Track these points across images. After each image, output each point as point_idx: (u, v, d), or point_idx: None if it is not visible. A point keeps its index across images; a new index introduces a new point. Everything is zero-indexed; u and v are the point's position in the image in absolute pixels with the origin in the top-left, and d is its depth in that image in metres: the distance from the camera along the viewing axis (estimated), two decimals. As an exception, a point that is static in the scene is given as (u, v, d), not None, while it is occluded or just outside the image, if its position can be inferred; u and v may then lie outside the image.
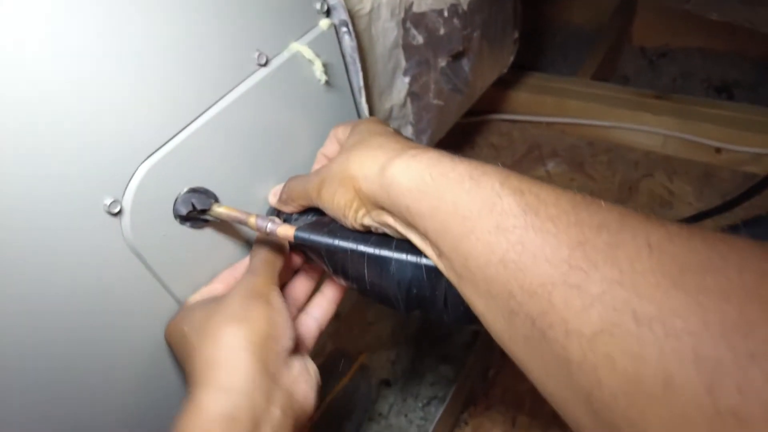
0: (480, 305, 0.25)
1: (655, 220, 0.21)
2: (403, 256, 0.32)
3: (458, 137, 0.97)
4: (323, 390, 0.70)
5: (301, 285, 0.41)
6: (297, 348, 0.35)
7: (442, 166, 0.27)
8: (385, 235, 0.33)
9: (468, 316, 0.29)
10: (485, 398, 0.65)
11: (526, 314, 0.22)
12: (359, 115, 0.50)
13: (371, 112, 0.55)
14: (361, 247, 0.33)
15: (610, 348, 0.19)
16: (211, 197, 0.38)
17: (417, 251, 0.31)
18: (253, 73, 0.38)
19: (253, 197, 0.41)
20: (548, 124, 0.95)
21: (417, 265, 0.32)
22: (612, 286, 0.19)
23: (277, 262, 0.37)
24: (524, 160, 0.92)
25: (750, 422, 0.16)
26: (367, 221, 0.32)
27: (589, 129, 0.92)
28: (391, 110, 0.59)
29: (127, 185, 0.33)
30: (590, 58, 1.00)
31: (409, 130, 0.65)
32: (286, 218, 0.41)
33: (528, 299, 0.22)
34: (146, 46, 0.31)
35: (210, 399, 0.29)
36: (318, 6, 0.41)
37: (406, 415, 0.66)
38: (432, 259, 0.29)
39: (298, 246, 0.37)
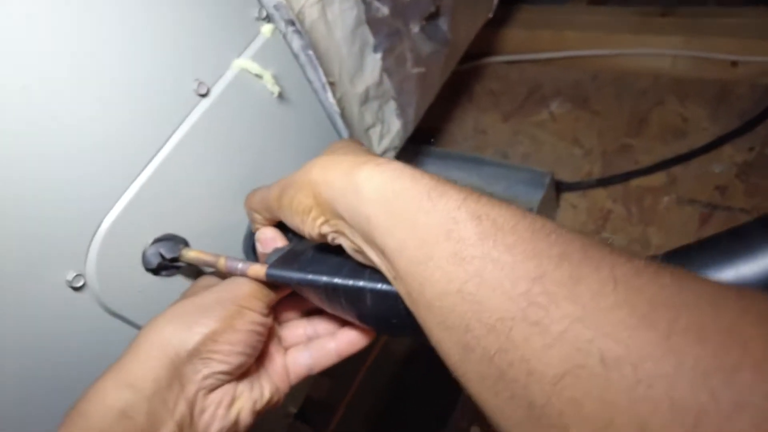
0: (435, 335, 0.24)
1: (620, 253, 0.20)
2: (378, 286, 0.31)
3: (455, 87, 0.93)
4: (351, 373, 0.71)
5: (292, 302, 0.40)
6: (264, 375, 0.34)
7: (403, 180, 0.25)
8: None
9: None
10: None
11: (484, 350, 0.20)
12: (327, 113, 0.47)
13: (342, 102, 0.52)
14: (335, 280, 0.32)
15: (576, 392, 0.17)
16: (180, 242, 0.36)
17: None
18: (195, 105, 0.35)
19: (227, 230, 0.40)
20: (548, 60, 0.89)
21: (392, 294, 0.30)
22: (574, 324, 0.18)
23: (264, 290, 0.34)
24: (526, 103, 0.87)
25: None
26: (325, 229, 0.30)
27: (591, 60, 0.86)
28: (367, 92, 0.56)
29: (87, 253, 0.32)
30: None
31: (392, 106, 0.62)
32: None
33: (486, 334, 0.20)
34: (66, 107, 0.29)
35: (111, 389, 0.28)
36: (255, 13, 0.38)
37: (433, 389, 0.67)
38: (388, 277, 0.27)
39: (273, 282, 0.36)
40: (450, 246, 0.22)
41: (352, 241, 0.29)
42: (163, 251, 0.35)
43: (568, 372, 0.18)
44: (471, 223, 0.22)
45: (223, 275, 0.36)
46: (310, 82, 0.44)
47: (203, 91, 0.35)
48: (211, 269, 0.38)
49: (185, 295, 0.34)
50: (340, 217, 0.29)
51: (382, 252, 0.26)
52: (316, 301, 0.34)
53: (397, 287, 0.26)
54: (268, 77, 0.38)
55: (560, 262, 0.20)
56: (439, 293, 0.22)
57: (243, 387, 0.33)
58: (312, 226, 0.31)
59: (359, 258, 0.30)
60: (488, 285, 0.20)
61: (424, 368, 0.69)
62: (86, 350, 0.34)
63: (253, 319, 0.32)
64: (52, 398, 0.33)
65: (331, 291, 0.32)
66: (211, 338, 0.30)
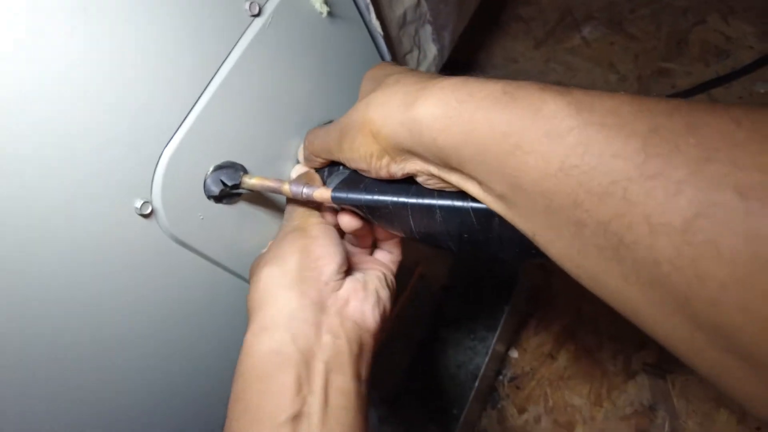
0: (537, 224, 0.23)
1: (725, 103, 0.19)
2: (448, 203, 0.30)
3: (481, 16, 0.89)
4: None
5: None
6: (352, 268, 0.36)
7: (468, 88, 0.24)
8: None
9: (525, 252, 0.28)
10: (548, 291, 0.66)
11: (597, 222, 0.19)
12: (371, 36, 0.45)
13: (384, 26, 0.50)
14: (403, 199, 0.32)
15: (710, 233, 0.16)
16: (239, 169, 0.36)
17: (462, 195, 0.29)
18: (249, 26, 0.34)
19: (282, 157, 0.39)
20: (579, -19, 0.85)
21: (464, 210, 0.30)
22: (702, 164, 0.17)
23: (314, 212, 0.37)
24: (557, 28, 0.84)
25: None
26: (394, 169, 0.30)
27: (627, -22, 0.81)
28: (404, 15, 0.54)
29: (152, 181, 0.32)
30: None
31: (428, 30, 0.60)
32: (318, 173, 0.39)
33: (597, 204, 0.19)
34: (132, 35, 0.29)
35: (254, 339, 0.30)
36: (302, -73, 0.36)
37: (472, 316, 0.68)
38: (474, 193, 0.27)
39: (338, 205, 0.36)
40: (540, 125, 0.21)
41: (427, 174, 0.28)
42: (224, 178, 0.35)
43: (700, 214, 0.16)
44: (561, 98, 0.21)
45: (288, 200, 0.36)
46: (355, 2, 0.42)
47: (255, 11, 0.34)
48: (274, 195, 0.38)
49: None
50: (408, 152, 0.28)
51: (460, 169, 0.25)
52: (380, 222, 0.34)
53: (486, 195, 0.25)
54: (316, -5, 0.37)
55: (671, 113, 0.18)
56: (537, 179, 0.21)
57: (357, 273, 0.36)
58: (379, 167, 0.30)
59: (439, 186, 0.30)
60: (594, 151, 0.19)
61: (463, 296, 0.70)
62: (155, 279, 0.34)
63: (317, 224, 0.35)
64: (126, 325, 0.34)
65: (398, 210, 0.32)
66: (305, 248, 0.33)
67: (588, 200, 0.20)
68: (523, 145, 0.21)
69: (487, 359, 0.62)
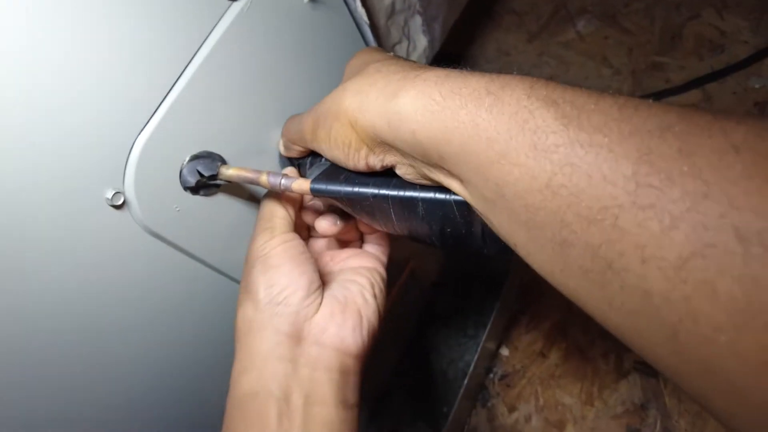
0: (519, 235, 0.22)
1: (726, 116, 0.17)
2: (430, 195, 0.29)
3: (473, 9, 0.88)
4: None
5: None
6: (331, 281, 0.35)
7: (451, 82, 0.23)
8: None
9: (508, 249, 0.27)
10: (538, 288, 0.65)
11: (586, 244, 0.18)
12: (357, 24, 0.44)
13: (370, 15, 0.49)
14: (384, 191, 0.30)
15: (707, 274, 0.16)
16: (217, 159, 0.35)
17: (445, 188, 0.28)
18: (225, 11, 0.33)
19: (261, 148, 0.38)
20: (573, -26, 0.84)
21: (446, 203, 0.29)
22: (698, 201, 0.16)
23: (279, 211, 0.35)
24: (551, 22, 0.83)
25: None
26: (373, 161, 0.29)
27: (621, -29, 0.80)
28: (393, 4, 0.52)
29: (125, 171, 0.31)
30: None
31: (417, 21, 0.58)
32: (301, 164, 0.38)
33: (587, 227, 0.18)
34: (105, 22, 0.27)
35: (236, 380, 0.30)
36: None
37: (462, 313, 0.67)
38: (458, 190, 0.26)
39: (317, 197, 0.35)
40: (526, 138, 0.20)
41: (406, 167, 0.27)
42: (200, 168, 0.34)
43: (696, 253, 0.16)
44: (547, 109, 0.20)
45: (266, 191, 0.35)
46: (339, -12, 0.41)
47: (233, -6, 0.33)
48: (254, 187, 0.37)
49: None
50: (386, 144, 0.27)
51: (439, 165, 0.24)
52: (361, 215, 0.33)
53: (467, 193, 0.24)
54: (298, -20, 0.36)
55: (663, 134, 0.17)
56: (522, 192, 0.20)
57: (337, 288, 0.34)
58: (356, 159, 0.29)
59: (420, 181, 0.29)
60: (582, 173, 0.18)
61: (452, 293, 0.69)
62: (128, 272, 0.33)
63: (275, 249, 0.32)
64: (97, 320, 0.33)
65: (379, 203, 0.31)
66: (267, 283, 0.31)
67: (576, 222, 0.19)
68: (508, 155, 0.20)
69: (476, 356, 0.61)
